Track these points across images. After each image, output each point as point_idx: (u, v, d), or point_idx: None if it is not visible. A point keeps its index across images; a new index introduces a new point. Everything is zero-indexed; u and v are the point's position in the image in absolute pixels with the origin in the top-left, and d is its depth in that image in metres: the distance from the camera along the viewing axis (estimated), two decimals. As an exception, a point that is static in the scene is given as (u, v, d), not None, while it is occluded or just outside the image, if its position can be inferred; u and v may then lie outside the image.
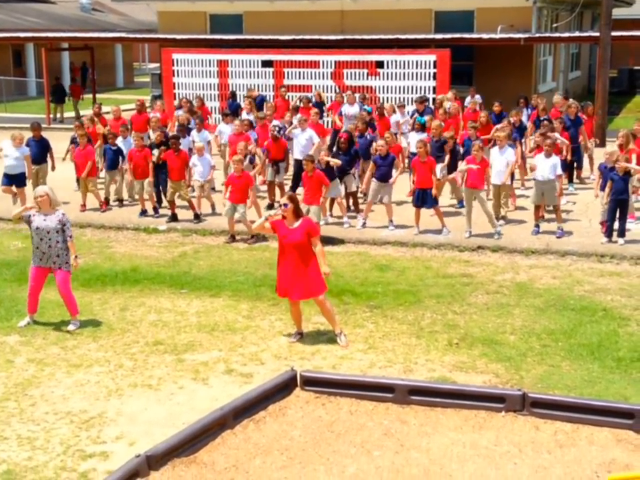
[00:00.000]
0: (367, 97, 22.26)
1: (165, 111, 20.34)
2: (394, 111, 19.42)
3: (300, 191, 14.51)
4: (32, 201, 10.37)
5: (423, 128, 17.14)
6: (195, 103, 21.54)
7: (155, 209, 15.86)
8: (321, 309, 9.78)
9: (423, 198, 14.14)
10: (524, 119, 18.55)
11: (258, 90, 23.82)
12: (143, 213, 15.89)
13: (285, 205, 9.57)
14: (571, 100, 19.62)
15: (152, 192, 15.81)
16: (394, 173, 14.73)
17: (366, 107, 20.40)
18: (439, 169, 15.36)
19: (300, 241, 9.44)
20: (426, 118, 17.28)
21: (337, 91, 23.35)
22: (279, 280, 9.71)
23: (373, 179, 14.78)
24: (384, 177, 14.55)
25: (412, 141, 16.39)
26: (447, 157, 15.66)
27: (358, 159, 15.76)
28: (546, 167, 13.96)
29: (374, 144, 15.86)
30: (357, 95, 21.03)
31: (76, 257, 10.29)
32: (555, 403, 7.69)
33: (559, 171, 14.27)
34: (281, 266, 9.64)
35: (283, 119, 18.64)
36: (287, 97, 22.63)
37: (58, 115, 31.19)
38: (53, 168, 16.97)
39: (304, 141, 16.50)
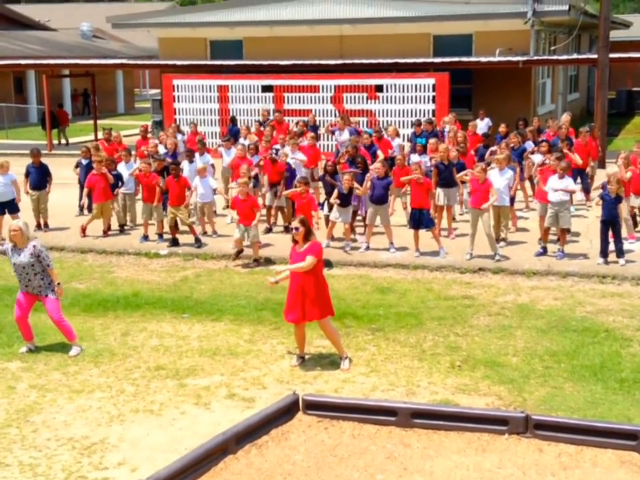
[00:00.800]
0: (351, 120, 21.95)
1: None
2: (397, 135, 19.46)
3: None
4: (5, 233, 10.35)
5: (424, 150, 17.18)
6: (190, 129, 21.67)
7: (160, 236, 15.85)
8: (325, 333, 9.75)
9: (420, 219, 14.13)
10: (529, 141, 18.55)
11: (259, 114, 23.91)
12: (145, 238, 15.89)
13: (297, 228, 9.54)
14: (565, 119, 19.79)
15: (161, 218, 15.83)
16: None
17: (367, 129, 20.42)
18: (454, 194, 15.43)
19: (303, 265, 9.41)
20: (432, 141, 17.26)
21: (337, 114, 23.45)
22: (286, 304, 9.66)
23: (369, 202, 14.77)
24: (380, 199, 14.45)
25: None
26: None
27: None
28: (559, 188, 13.89)
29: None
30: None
31: (58, 283, 10.27)
32: (559, 424, 7.66)
33: (573, 187, 14.35)
34: (289, 290, 9.62)
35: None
36: (283, 121, 22.69)
37: (56, 142, 31.33)
38: (48, 192, 17.08)
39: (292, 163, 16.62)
